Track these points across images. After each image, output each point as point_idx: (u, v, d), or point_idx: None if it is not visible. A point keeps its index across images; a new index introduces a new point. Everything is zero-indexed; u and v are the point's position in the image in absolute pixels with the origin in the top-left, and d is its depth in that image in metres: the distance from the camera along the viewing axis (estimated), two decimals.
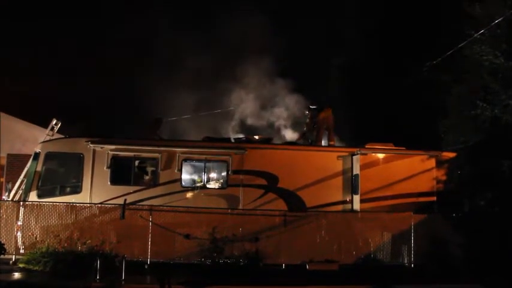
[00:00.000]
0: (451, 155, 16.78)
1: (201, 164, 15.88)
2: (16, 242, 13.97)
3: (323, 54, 23.06)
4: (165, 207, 14.58)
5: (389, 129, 21.93)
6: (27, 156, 16.77)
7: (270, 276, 12.93)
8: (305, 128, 17.64)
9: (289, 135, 18.24)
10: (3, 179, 20.68)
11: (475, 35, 17.14)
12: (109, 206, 14.57)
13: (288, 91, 19.45)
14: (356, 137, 18.29)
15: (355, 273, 13.60)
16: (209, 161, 15.93)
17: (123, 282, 11.87)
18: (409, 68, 22.52)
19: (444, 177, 16.43)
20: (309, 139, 17.58)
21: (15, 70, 24.17)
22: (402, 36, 23.94)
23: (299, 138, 17.79)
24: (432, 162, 16.26)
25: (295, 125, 18.51)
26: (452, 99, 19.25)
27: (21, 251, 13.95)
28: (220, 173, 16.03)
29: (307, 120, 17.63)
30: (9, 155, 20.43)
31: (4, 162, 20.74)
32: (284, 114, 18.73)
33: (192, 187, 15.74)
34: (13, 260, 13.72)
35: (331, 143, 17.27)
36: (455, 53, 18.72)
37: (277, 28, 22.17)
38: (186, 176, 15.81)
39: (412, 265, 14.78)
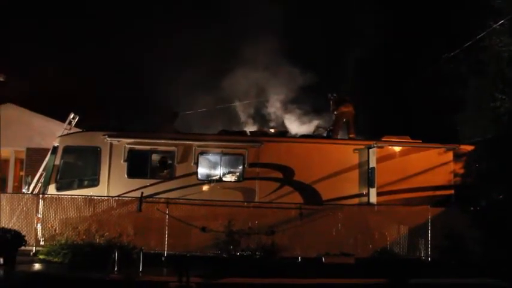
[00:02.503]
0: (469, 148, 16.58)
1: (218, 157, 15.93)
2: (36, 234, 14.19)
3: (340, 46, 22.90)
4: (181, 200, 14.67)
5: (405, 122, 21.75)
6: (46, 150, 17.00)
7: (286, 269, 12.93)
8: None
9: (305, 128, 18.15)
10: (23, 173, 21.03)
11: (494, 26, 16.88)
12: (126, 199, 14.71)
13: (305, 84, 19.37)
14: (372, 130, 18.14)
15: (371, 267, 13.52)
16: (225, 154, 15.96)
17: (140, 274, 11.98)
18: (426, 59, 22.27)
19: (462, 171, 16.27)
20: (327, 130, 17.48)
21: (33, 65, 24.54)
22: (419, 27, 23.65)
23: (315, 131, 17.73)
24: (450, 156, 16.11)
25: (311, 118, 18.40)
26: (470, 92, 19.01)
27: (41, 243, 14.17)
28: (237, 166, 16.06)
29: (332, 108, 17.50)
30: (28, 149, 20.80)
31: (23, 156, 21.10)
32: (300, 107, 18.66)
33: (208, 180, 15.80)
34: (33, 251, 13.96)
35: (351, 135, 17.17)
36: (473, 44, 18.47)
37: (294, 21, 22.10)
38: (202, 169, 15.88)
39: (429, 259, 14.67)
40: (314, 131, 17.74)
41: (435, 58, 20.89)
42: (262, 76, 19.60)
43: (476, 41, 18.22)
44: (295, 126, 18.29)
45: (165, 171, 16.09)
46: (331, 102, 17.47)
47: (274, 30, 19.72)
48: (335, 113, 17.31)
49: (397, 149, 16.01)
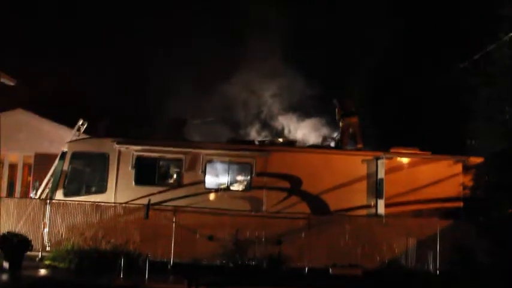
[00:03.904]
0: (478, 160, 16.42)
1: (225, 166, 15.90)
2: (42, 239, 14.18)
3: (349, 57, 22.88)
4: (189, 208, 14.64)
5: (414, 133, 21.63)
6: (54, 156, 17.03)
7: (292, 280, 12.83)
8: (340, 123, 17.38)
9: (313, 137, 18.10)
10: (30, 178, 21.10)
11: (505, 38, 16.80)
12: (133, 206, 14.69)
13: (314, 94, 19.35)
14: (381, 141, 18.06)
15: (378, 279, 13.39)
16: (233, 163, 15.93)
17: (146, 282, 11.92)
18: (436, 70, 22.20)
19: (471, 183, 16.10)
20: (334, 140, 17.43)
21: (42, 71, 24.73)
22: (429, 38, 23.62)
23: (323, 142, 17.67)
24: (459, 167, 15.97)
25: (319, 128, 18.33)
26: (480, 103, 18.88)
27: (47, 248, 14.16)
28: (244, 175, 16.02)
29: (337, 118, 17.46)
30: (36, 154, 20.88)
31: (31, 161, 21.18)
32: (308, 117, 18.61)
33: (216, 189, 15.76)
34: (40, 256, 13.94)
35: (359, 146, 17.10)
36: (483, 56, 18.39)
37: (303, 30, 22.12)
38: (209, 178, 15.84)
39: (438, 272, 14.51)
40: (322, 142, 17.68)
41: (444, 69, 20.82)
42: (269, 85, 19.58)
43: (486, 53, 18.13)
44: (303, 136, 18.21)
45: (173, 179, 16.08)
46: (336, 111, 17.43)
47: (282, 36, 19.74)
48: (341, 124, 17.28)
49: (406, 160, 15.89)
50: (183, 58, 22.77)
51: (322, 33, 22.89)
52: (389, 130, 21.84)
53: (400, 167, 15.83)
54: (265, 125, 19.15)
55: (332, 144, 17.49)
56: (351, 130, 17.15)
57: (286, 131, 18.55)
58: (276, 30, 19.93)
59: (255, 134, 18.75)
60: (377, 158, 16.01)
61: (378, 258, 14.45)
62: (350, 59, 22.88)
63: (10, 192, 21.15)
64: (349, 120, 17.13)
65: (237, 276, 12.70)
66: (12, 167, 21.87)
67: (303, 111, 18.69)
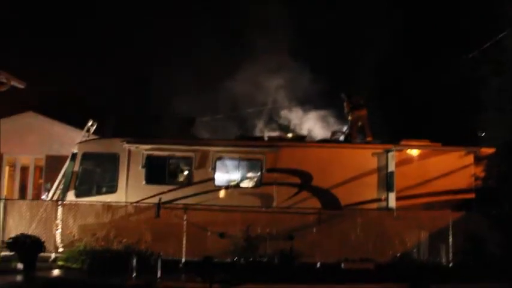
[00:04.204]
0: (490, 150, 16.25)
1: (235, 163, 15.90)
2: (55, 240, 14.28)
3: (356, 48, 22.75)
4: (199, 206, 14.65)
5: (424, 125, 21.48)
6: (65, 158, 17.13)
7: (305, 275, 12.81)
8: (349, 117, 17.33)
9: (323, 132, 18.01)
10: (42, 180, 21.27)
11: None
12: (144, 205, 14.74)
13: (321, 88, 19.26)
14: (390, 134, 17.94)
15: (391, 272, 13.33)
16: (243, 159, 15.92)
17: (159, 280, 11.97)
18: (446, 60, 22.01)
19: (483, 174, 15.99)
20: (344, 134, 17.36)
21: (51, 73, 24.90)
22: (438, 27, 23.41)
23: (332, 136, 17.61)
24: (470, 158, 15.80)
25: (329, 122, 18.25)
26: (491, 93, 18.73)
27: (60, 249, 14.26)
28: (254, 171, 16.00)
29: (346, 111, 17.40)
30: (47, 157, 21.02)
31: (43, 163, 21.35)
32: (316, 111, 18.52)
33: (226, 186, 15.77)
34: (52, 257, 14.03)
35: (369, 139, 17.01)
36: (493, 44, 18.22)
37: (310, 21, 22.02)
38: (219, 175, 15.83)
39: (451, 264, 14.41)
40: (331, 136, 17.61)
41: (455, 58, 20.64)
42: (277, 80, 19.52)
43: (495, 41, 17.96)
44: (312, 130, 18.14)
45: (183, 177, 16.11)
46: (344, 105, 17.35)
47: (287, 31, 19.67)
48: (349, 117, 17.20)
49: (417, 152, 15.76)
50: (189, 56, 22.80)
51: (329, 26, 22.78)
52: (399, 123, 21.70)
53: (410, 160, 15.71)
54: (274, 121, 19.09)
55: (341, 138, 17.41)
56: (359, 123, 17.06)
57: (294, 126, 18.47)
58: (281, 23, 19.86)
59: (264, 130, 18.71)
60: (387, 151, 15.90)
61: (390, 252, 14.38)
62: (357, 52, 22.77)
63: (22, 195, 21.32)
64: (357, 114, 17.02)
65: (249, 273, 12.68)
66: (24, 170, 22.05)
67: (310, 105, 18.60)
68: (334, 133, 17.64)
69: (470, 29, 21.10)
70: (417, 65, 23.90)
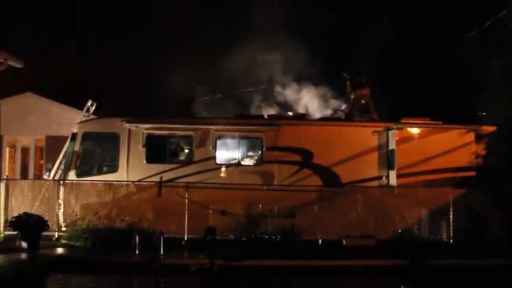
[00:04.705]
0: (491, 129, 16.29)
1: (235, 141, 15.91)
2: (58, 219, 14.33)
3: (357, 27, 22.60)
4: (200, 184, 14.68)
5: (425, 103, 21.44)
6: (65, 138, 17.11)
7: (306, 252, 12.89)
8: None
9: (323, 110, 17.98)
10: (43, 161, 21.27)
11: None
12: (146, 183, 14.77)
13: (322, 66, 19.19)
14: (391, 112, 17.92)
15: (392, 249, 13.42)
16: (243, 138, 15.93)
17: (161, 257, 12.05)
18: (446, 39, 21.88)
19: (484, 152, 16.01)
20: (345, 112, 17.35)
21: (50, 53, 24.76)
22: (439, 6, 23.22)
23: (334, 113, 17.59)
24: (471, 137, 15.83)
25: (329, 100, 18.21)
26: (492, 73, 18.67)
27: (63, 228, 14.31)
28: (255, 149, 16.02)
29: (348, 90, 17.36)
30: (47, 137, 20.99)
31: (43, 144, 21.33)
32: (317, 89, 18.46)
33: (227, 164, 15.79)
34: (56, 236, 14.10)
35: (374, 117, 17.00)
36: (493, 23, 18.09)
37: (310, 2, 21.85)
38: (220, 153, 15.86)
39: (451, 241, 14.50)
40: (332, 114, 17.59)
41: (454, 38, 20.52)
42: (277, 58, 19.42)
43: (496, 20, 17.83)
44: (313, 108, 18.11)
45: (184, 155, 16.12)
46: (347, 84, 17.29)
47: (289, 10, 19.53)
48: (352, 96, 17.15)
49: (417, 130, 15.78)
50: (188, 35, 22.68)
51: (330, 5, 22.63)
52: (400, 101, 21.65)
53: (411, 138, 15.74)
54: (273, 99, 19.04)
55: (342, 116, 17.39)
56: (363, 101, 17.05)
57: (294, 104, 18.43)
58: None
59: (264, 108, 18.68)
60: (388, 129, 15.92)
61: (391, 228, 14.46)
62: (358, 31, 22.61)
63: (23, 176, 21.32)
64: (360, 93, 17.01)
65: (250, 250, 12.76)
66: (24, 151, 22.04)
67: (311, 83, 18.53)
68: (335, 111, 17.62)
69: (471, 9, 20.96)
70: (418, 43, 23.76)
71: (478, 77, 20.50)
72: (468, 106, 20.27)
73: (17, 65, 15.13)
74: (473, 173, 15.70)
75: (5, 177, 15.71)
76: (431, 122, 16.25)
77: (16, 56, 15.13)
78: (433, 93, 22.87)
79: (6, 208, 14.16)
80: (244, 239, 13.63)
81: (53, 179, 15.73)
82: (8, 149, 21.47)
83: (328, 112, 17.79)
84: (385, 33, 21.61)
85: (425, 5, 24.09)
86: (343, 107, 17.61)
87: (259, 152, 15.86)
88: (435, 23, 23.29)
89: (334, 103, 18.05)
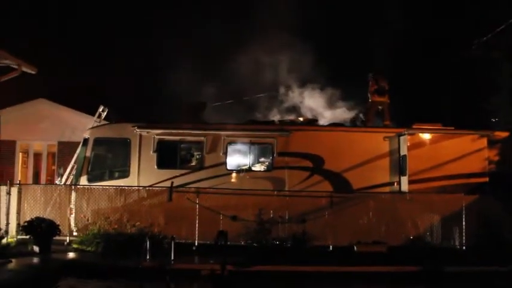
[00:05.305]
0: (504, 134, 16.15)
1: (246, 147, 15.92)
2: (69, 224, 14.40)
3: (368, 30, 22.56)
4: (211, 190, 14.68)
5: (437, 109, 21.33)
6: (77, 144, 17.24)
7: (317, 258, 12.82)
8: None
9: (335, 115, 17.94)
10: (54, 167, 21.41)
11: None
12: (156, 189, 14.80)
13: (334, 71, 19.19)
14: (403, 117, 17.83)
15: (404, 255, 13.30)
16: (254, 143, 15.94)
17: (172, 262, 12.04)
18: (458, 44, 21.76)
19: (496, 158, 15.87)
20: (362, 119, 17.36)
21: (62, 61, 25.01)
22: (450, 11, 23.11)
23: (354, 120, 17.55)
24: (483, 142, 15.70)
25: (341, 105, 18.17)
26: (504, 78, 18.53)
27: (74, 233, 14.38)
28: (266, 155, 16.03)
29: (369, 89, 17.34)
30: (59, 143, 21.14)
31: (55, 149, 21.47)
32: (328, 94, 18.43)
33: (238, 170, 15.79)
34: (67, 241, 14.16)
35: (386, 123, 16.94)
36: (506, 28, 17.97)
37: (321, 5, 21.87)
38: (231, 159, 15.88)
39: (464, 247, 14.35)
40: (352, 121, 17.52)
41: (467, 43, 20.40)
42: (288, 62, 19.45)
43: (509, 24, 17.71)
44: (325, 113, 18.07)
45: (194, 161, 16.16)
46: (369, 84, 17.23)
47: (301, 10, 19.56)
48: (370, 100, 17.13)
49: (429, 136, 15.68)
50: (199, 42, 22.79)
51: (341, 8, 22.62)
52: (412, 106, 21.54)
53: (423, 143, 15.65)
54: (284, 105, 19.02)
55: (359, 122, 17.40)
56: (379, 107, 17.04)
57: (305, 110, 18.40)
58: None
59: (274, 113, 18.67)
60: (399, 135, 15.84)
61: (403, 235, 14.33)
62: (369, 35, 22.56)
63: (35, 181, 21.46)
64: (379, 99, 17.02)
65: (261, 256, 12.72)
66: (37, 156, 22.19)
67: (322, 88, 18.50)
68: (356, 117, 17.58)
69: (483, 13, 20.84)
70: (430, 48, 23.65)
71: (490, 82, 20.35)
72: (481, 111, 20.11)
73: (31, 71, 15.25)
74: (486, 179, 15.56)
75: (18, 182, 15.77)
76: (443, 128, 16.16)
77: (29, 62, 15.26)
78: (445, 98, 22.73)
79: (18, 212, 14.24)
80: (255, 244, 13.59)
81: (65, 184, 15.85)
82: (21, 154, 21.61)
83: (341, 117, 17.71)
84: (396, 37, 21.57)
85: (438, 10, 23.99)
86: (361, 115, 17.60)
87: (270, 157, 15.86)
88: (448, 27, 23.18)
89: (345, 108, 17.99)
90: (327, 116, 17.85)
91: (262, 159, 16.12)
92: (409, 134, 15.58)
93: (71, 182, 16.09)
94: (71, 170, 16.82)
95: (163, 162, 15.81)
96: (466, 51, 21.12)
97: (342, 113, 17.85)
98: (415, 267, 12.23)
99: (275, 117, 18.23)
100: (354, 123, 17.39)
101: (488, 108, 20.41)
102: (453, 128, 16.22)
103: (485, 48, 20.45)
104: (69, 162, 17.26)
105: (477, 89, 20.90)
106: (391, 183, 15.78)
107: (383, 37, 21.74)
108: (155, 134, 15.91)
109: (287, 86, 19.15)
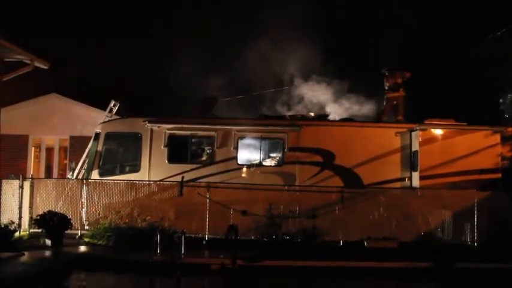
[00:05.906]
0: None
1: (257, 142, 15.91)
2: (81, 218, 14.51)
3: (379, 26, 22.41)
4: (222, 184, 14.69)
5: (450, 104, 21.14)
6: (88, 138, 17.34)
7: (327, 253, 12.81)
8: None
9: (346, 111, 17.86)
10: (66, 161, 21.58)
11: None
12: (167, 183, 14.84)
13: (346, 67, 19.11)
14: (415, 112, 17.71)
15: (414, 251, 13.24)
16: (265, 138, 15.93)
17: (183, 257, 12.09)
18: (471, 40, 21.54)
19: (510, 154, 15.70)
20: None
21: (74, 55, 25.17)
22: (463, 7, 22.88)
23: (379, 117, 17.47)
24: (497, 138, 15.54)
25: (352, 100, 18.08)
26: None
27: (86, 227, 14.49)
28: (276, 150, 16.02)
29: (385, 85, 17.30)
30: (71, 137, 21.29)
31: (67, 144, 21.64)
32: (340, 89, 18.34)
33: (248, 165, 15.79)
34: (79, 234, 14.27)
35: (399, 118, 16.84)
36: None
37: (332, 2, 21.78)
38: (242, 154, 15.88)
39: (475, 244, 14.24)
40: (377, 118, 17.45)
41: (480, 38, 20.18)
42: (300, 58, 19.37)
43: None
44: (335, 109, 17.98)
45: (205, 156, 16.18)
46: (384, 80, 17.15)
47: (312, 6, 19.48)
48: (386, 96, 17.06)
49: (441, 131, 15.56)
50: (210, 37, 22.79)
51: (353, 4, 22.50)
52: (424, 101, 21.36)
53: (435, 139, 15.53)
54: (296, 99, 18.96)
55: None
56: (395, 102, 16.95)
57: (316, 105, 18.33)
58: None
59: (286, 108, 18.63)
60: (411, 130, 15.73)
61: (414, 231, 14.26)
62: (381, 30, 22.40)
63: (47, 176, 21.63)
64: (394, 93, 16.95)
65: (271, 250, 12.73)
66: (49, 151, 22.37)
67: (334, 83, 18.41)
68: (379, 115, 17.49)
69: (496, 8, 20.60)
70: (442, 43, 23.45)
71: (504, 78, 20.13)
72: (494, 107, 19.91)
73: (43, 66, 15.33)
74: (498, 175, 15.40)
75: (30, 176, 15.92)
76: (456, 123, 16.01)
77: (42, 57, 15.34)
78: (458, 94, 22.52)
79: (31, 206, 14.38)
80: (265, 239, 13.59)
81: (77, 178, 15.96)
82: (33, 148, 21.80)
83: (352, 112, 17.62)
84: (408, 33, 21.39)
85: (450, 5, 23.77)
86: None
87: (281, 152, 15.84)
88: (460, 22, 22.95)
89: (355, 103, 17.88)
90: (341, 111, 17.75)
91: (272, 154, 16.10)
92: (421, 130, 15.46)
93: (83, 176, 16.19)
94: (83, 164, 16.92)
95: (174, 157, 15.84)
96: (479, 47, 20.89)
97: (360, 109, 17.76)
98: (426, 264, 12.17)
99: (287, 112, 18.17)
100: (379, 118, 17.28)
101: (501, 104, 20.19)
102: (466, 123, 16.06)
103: (499, 44, 20.21)
104: (81, 156, 17.37)
105: (491, 84, 20.65)
106: (402, 179, 15.69)
107: (396, 32, 21.58)
108: (166, 128, 15.95)
109: (298, 80, 19.07)
